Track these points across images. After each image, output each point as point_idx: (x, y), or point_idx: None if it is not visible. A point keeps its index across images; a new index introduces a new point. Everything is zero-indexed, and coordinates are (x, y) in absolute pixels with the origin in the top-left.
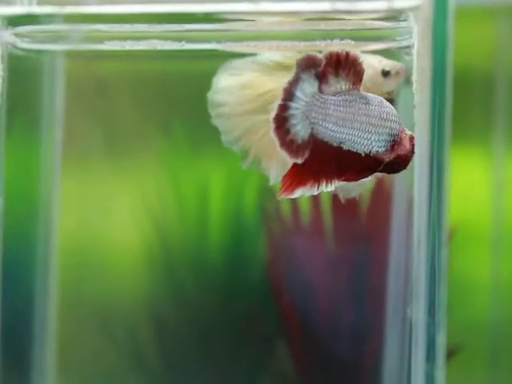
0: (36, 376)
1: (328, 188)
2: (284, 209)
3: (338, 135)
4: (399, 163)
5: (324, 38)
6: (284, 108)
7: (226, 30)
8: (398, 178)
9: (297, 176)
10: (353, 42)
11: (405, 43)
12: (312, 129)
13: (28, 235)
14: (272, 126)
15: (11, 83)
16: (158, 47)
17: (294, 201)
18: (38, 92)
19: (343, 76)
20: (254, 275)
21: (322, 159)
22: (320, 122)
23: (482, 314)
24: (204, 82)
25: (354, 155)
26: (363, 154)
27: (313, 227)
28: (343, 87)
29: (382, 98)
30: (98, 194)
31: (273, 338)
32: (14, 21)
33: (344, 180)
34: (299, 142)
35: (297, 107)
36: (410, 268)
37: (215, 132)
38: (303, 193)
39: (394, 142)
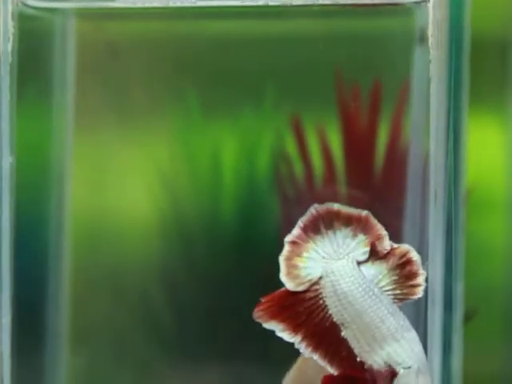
0: (50, 338)
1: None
2: (297, 171)
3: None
4: None
5: None
6: (316, 240)
7: None
8: (413, 135)
9: (282, 306)
10: None
11: None
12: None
13: (41, 199)
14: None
15: (23, 43)
16: (171, 4)
17: (307, 163)
18: (50, 53)
19: (398, 272)
20: (268, 239)
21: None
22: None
23: (496, 279)
24: (218, 46)
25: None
26: (358, 360)
27: (326, 189)
28: (387, 280)
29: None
30: (110, 157)
31: None
32: None
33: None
34: (304, 274)
35: (325, 251)
36: (425, 220)
37: (227, 97)
38: (275, 328)
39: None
